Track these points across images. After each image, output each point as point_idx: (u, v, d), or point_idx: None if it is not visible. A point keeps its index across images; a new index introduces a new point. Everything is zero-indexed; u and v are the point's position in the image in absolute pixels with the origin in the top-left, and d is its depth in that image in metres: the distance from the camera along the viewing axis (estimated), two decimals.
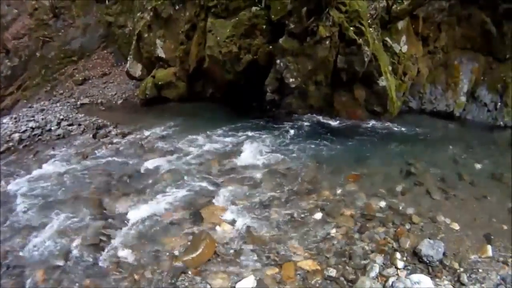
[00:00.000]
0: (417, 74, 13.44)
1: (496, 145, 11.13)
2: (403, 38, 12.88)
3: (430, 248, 5.70)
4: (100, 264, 6.06)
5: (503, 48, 13.16)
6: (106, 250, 6.38)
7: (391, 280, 5.31)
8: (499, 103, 13.08)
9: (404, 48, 12.86)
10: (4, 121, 17.25)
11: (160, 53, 16.57)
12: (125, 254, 6.19)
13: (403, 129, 11.99)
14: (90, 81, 21.85)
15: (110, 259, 6.12)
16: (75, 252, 6.38)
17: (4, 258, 6.51)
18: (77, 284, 5.65)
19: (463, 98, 13.51)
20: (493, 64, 13.51)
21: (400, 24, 12.72)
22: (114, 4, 23.11)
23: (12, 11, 26.60)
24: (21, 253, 6.60)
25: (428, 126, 12.30)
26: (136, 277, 5.65)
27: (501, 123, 12.84)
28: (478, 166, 9.28)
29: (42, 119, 16.29)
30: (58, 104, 19.43)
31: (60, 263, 6.17)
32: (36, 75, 23.42)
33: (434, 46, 13.82)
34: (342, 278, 5.49)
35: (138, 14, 17.93)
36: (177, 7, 16.01)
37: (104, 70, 22.41)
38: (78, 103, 19.16)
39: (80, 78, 22.11)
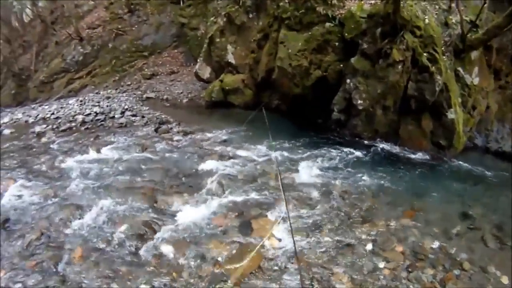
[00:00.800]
0: (486, 110, 12.85)
1: None
2: (476, 69, 12.33)
3: None
4: (141, 254, 6.12)
5: None
6: (149, 242, 6.44)
7: None
8: None
9: (476, 80, 12.28)
10: (70, 102, 18.04)
11: (230, 58, 16.76)
12: (168, 250, 6.20)
13: (465, 166, 11.43)
14: (158, 77, 22.45)
15: (152, 252, 6.16)
16: (117, 238, 6.48)
17: (47, 229, 6.72)
18: (113, 269, 5.71)
19: None
20: None
21: (474, 54, 12.17)
22: (188, 6, 23.70)
23: (89, 2, 27.78)
24: (64, 229, 6.80)
25: (491, 166, 11.67)
26: (174, 275, 5.65)
27: None
28: None
29: (107, 106, 16.98)
30: (124, 94, 20.13)
31: (101, 245, 6.30)
32: (106, 64, 24.29)
33: (505, 81, 13.24)
34: None
35: (212, 19, 18.25)
36: (250, 15, 16.14)
37: (173, 68, 22.96)
38: (144, 96, 19.79)
39: (149, 73, 22.77)
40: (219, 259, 6.05)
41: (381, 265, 6.21)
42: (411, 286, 5.78)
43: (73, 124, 14.20)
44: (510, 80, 13.20)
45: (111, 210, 7.36)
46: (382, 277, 5.93)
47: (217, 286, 5.45)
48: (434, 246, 6.89)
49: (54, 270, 5.68)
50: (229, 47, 16.82)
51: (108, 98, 19.05)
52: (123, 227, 6.75)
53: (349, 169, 10.29)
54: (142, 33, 24.81)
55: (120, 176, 9.17)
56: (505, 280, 6.18)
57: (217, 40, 17.28)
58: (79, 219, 7.08)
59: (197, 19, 23.10)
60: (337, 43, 12.89)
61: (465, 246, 7.03)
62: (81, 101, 18.22)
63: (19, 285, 5.33)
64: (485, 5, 11.71)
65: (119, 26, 25.11)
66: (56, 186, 8.55)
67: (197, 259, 6.03)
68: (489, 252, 7.01)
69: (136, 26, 25.18)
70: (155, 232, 6.75)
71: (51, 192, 8.22)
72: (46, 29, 28.53)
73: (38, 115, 15.80)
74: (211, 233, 6.82)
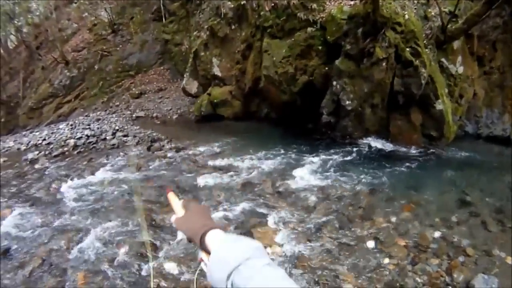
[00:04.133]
0: (473, 97, 13.02)
1: None
2: (459, 58, 12.47)
3: (483, 284, 5.43)
4: (144, 274, 6.10)
5: None
6: (151, 261, 6.42)
7: None
8: None
9: (460, 69, 12.42)
10: (61, 127, 18.01)
11: (216, 71, 16.86)
12: (170, 267, 6.17)
13: (458, 155, 11.63)
14: (146, 95, 22.43)
15: (155, 270, 6.11)
16: (119, 259, 6.46)
17: (48, 256, 6.70)
18: None
19: None
20: None
21: (456, 44, 12.35)
22: (171, 22, 23.71)
23: (72, 25, 27.74)
24: (65, 254, 6.77)
25: (484, 152, 11.88)
26: None
27: None
28: None
29: (98, 128, 16.94)
30: (114, 115, 20.10)
31: (103, 268, 6.27)
32: (93, 86, 24.28)
33: (490, 67, 13.39)
34: None
35: (195, 33, 18.33)
36: (233, 27, 16.25)
37: (160, 85, 22.97)
38: (134, 115, 19.75)
39: (137, 92, 22.75)
40: None
41: (385, 261, 6.24)
42: (417, 278, 5.80)
43: (65, 148, 14.16)
44: (494, 65, 13.29)
45: (110, 232, 7.37)
46: (387, 272, 5.95)
47: None
48: (436, 236, 6.94)
49: None
50: (214, 60, 16.91)
51: (98, 120, 19.06)
52: (123, 248, 6.75)
53: (344, 170, 10.36)
54: (127, 53, 24.84)
55: (116, 196, 9.18)
56: (509, 260, 6.23)
57: (202, 54, 17.40)
58: (79, 243, 7.07)
59: (180, 35, 23.11)
60: (320, 47, 13.01)
61: (466, 233, 7.10)
62: (71, 125, 18.23)
63: None
64: None
65: (104, 47, 25.15)
66: (53, 211, 8.56)
67: (201, 273, 6.00)
68: (491, 236, 7.08)
69: (120, 46, 25.21)
70: (156, 250, 6.74)
71: (49, 218, 8.23)
72: (32, 55, 28.55)
73: (29, 142, 15.80)
74: None
